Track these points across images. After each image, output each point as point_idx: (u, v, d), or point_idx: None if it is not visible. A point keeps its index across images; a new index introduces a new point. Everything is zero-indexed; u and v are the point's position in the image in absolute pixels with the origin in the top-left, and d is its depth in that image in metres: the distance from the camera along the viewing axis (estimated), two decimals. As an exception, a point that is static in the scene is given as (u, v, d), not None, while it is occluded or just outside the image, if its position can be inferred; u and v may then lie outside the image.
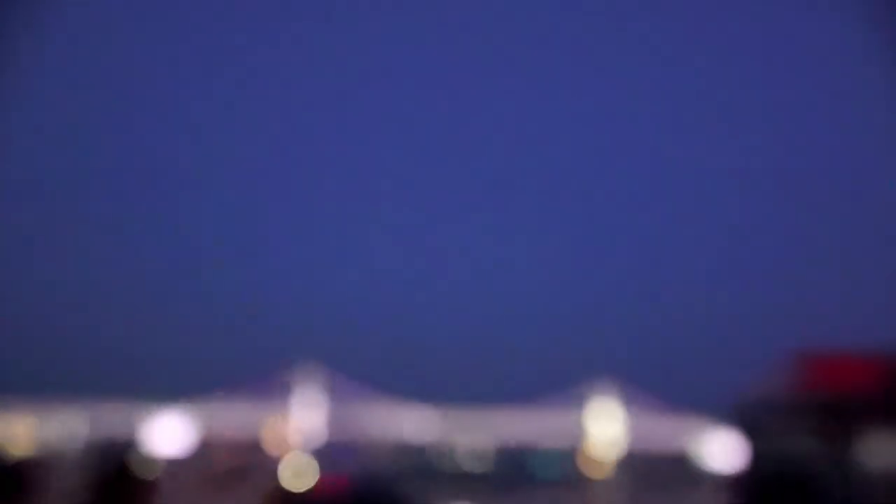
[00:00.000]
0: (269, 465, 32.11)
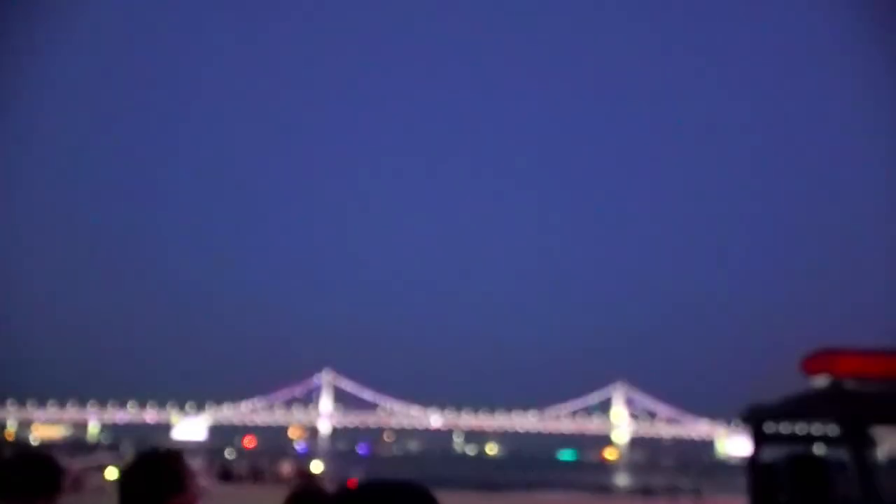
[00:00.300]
0: (293, 461, 32.66)
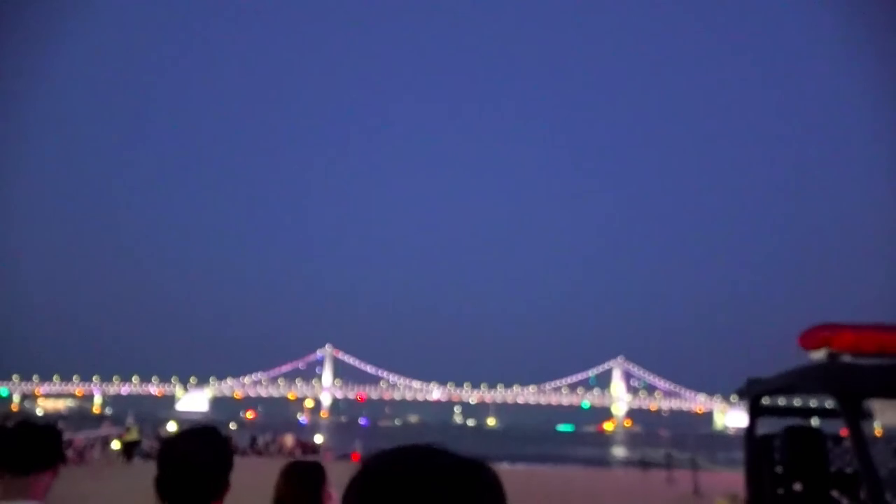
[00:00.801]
0: (295, 433, 33.16)
